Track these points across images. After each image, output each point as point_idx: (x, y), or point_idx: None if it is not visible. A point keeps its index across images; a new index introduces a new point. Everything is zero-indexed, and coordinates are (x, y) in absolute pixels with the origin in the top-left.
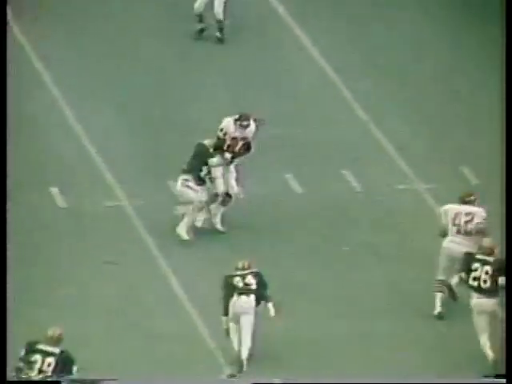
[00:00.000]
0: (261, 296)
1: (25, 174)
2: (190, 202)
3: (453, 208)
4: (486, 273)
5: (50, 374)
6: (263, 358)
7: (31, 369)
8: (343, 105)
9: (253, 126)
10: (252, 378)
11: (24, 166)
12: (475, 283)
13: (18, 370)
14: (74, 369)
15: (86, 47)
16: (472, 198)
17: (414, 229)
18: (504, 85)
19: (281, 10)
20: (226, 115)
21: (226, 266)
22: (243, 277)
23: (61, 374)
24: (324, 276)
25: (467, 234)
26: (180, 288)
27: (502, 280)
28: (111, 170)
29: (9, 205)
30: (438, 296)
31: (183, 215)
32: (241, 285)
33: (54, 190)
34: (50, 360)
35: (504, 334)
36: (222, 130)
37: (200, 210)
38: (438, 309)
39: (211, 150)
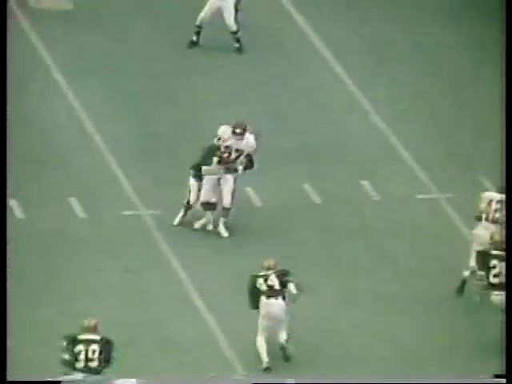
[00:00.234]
0: (285, 290)
1: (44, 185)
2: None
3: (489, 195)
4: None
5: (96, 360)
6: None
7: (77, 360)
8: (361, 114)
9: (250, 138)
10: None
11: (43, 177)
12: (496, 280)
13: (66, 362)
14: (114, 353)
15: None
16: None
17: (434, 238)
18: None
19: (297, 19)
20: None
21: (244, 275)
22: (266, 278)
23: (106, 359)
24: (342, 286)
25: (494, 221)
26: (197, 296)
27: None
28: (129, 179)
29: (16, 213)
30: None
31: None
32: (264, 287)
33: (73, 200)
34: (94, 347)
35: (504, 334)
36: (219, 137)
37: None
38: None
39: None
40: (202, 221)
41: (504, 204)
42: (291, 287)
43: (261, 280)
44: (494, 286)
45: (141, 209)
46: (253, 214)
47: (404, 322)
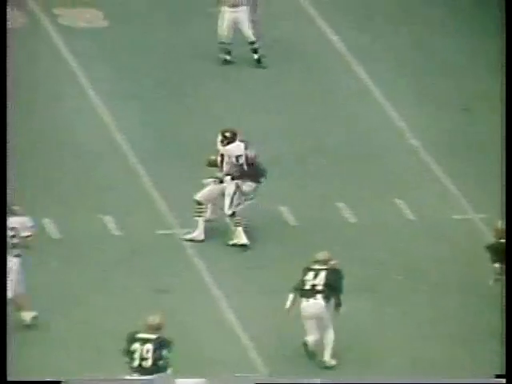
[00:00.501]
0: (330, 294)
1: (79, 202)
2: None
3: None
4: None
5: (149, 360)
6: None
7: (132, 358)
8: (396, 133)
9: (235, 144)
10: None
11: (78, 194)
12: None
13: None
14: (164, 352)
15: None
16: None
17: (469, 258)
18: None
19: (321, 25)
20: (272, 140)
21: (279, 293)
22: (316, 273)
23: (157, 359)
24: (376, 304)
25: None
26: (232, 314)
27: None
28: (163, 197)
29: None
30: None
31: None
32: (308, 286)
33: (108, 218)
34: (148, 346)
35: (504, 334)
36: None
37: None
38: None
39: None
40: (194, 233)
41: None
42: (332, 302)
43: (311, 274)
44: None
45: (175, 228)
46: (287, 232)
47: (435, 339)
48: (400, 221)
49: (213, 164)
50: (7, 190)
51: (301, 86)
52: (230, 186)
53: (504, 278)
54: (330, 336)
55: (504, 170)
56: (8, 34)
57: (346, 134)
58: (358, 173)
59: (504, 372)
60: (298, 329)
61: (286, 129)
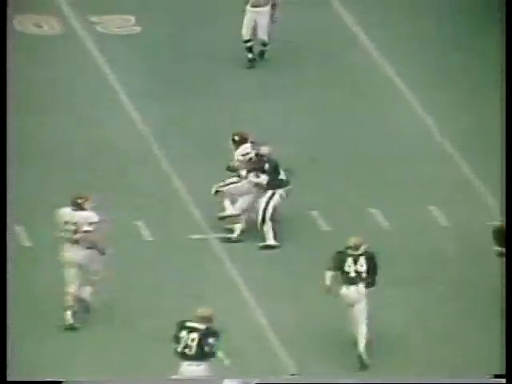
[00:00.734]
0: (371, 282)
1: (112, 208)
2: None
3: None
4: None
5: (193, 348)
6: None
7: (178, 343)
8: (430, 140)
9: (242, 147)
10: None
11: (110, 201)
12: None
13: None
14: (211, 339)
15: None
16: None
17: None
18: None
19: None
20: (306, 144)
21: (311, 297)
22: (355, 259)
23: (204, 346)
24: (413, 314)
25: None
26: (266, 320)
27: None
28: (196, 202)
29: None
30: None
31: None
32: (353, 273)
33: (140, 223)
34: (194, 336)
35: (504, 334)
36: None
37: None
38: None
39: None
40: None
41: None
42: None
43: (350, 261)
44: None
45: (208, 233)
46: (318, 237)
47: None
48: (434, 227)
49: (232, 169)
50: (7, 190)
51: (332, 89)
52: (247, 189)
53: (504, 279)
54: (364, 326)
55: None
56: (43, 41)
57: (381, 139)
58: (392, 179)
59: (504, 372)
60: (328, 332)
61: (320, 133)
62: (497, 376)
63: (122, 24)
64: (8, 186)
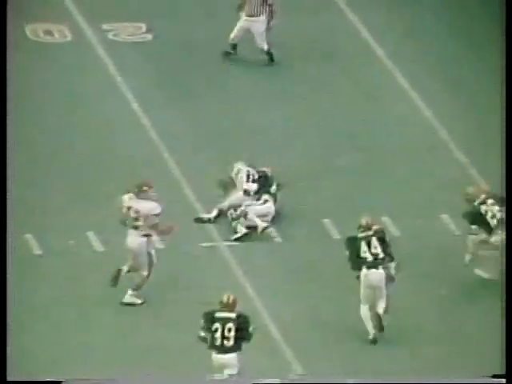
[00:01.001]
0: (390, 258)
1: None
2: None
3: None
4: None
5: (231, 339)
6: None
7: (214, 337)
8: (441, 146)
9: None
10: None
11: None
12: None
13: (203, 339)
14: (250, 328)
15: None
16: None
17: None
18: None
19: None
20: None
21: (324, 305)
22: (368, 242)
23: (243, 336)
24: (421, 320)
25: None
26: (277, 330)
27: None
28: (207, 211)
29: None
30: None
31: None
32: (370, 257)
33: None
34: (230, 325)
35: (504, 334)
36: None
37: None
38: None
39: None
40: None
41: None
42: (392, 267)
43: (364, 245)
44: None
45: (218, 240)
46: (330, 245)
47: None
48: (445, 236)
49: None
50: (7, 191)
51: (341, 93)
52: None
53: (504, 278)
54: (383, 305)
55: None
56: (54, 49)
57: (394, 147)
58: (403, 187)
59: (504, 372)
60: (338, 334)
61: (330, 141)
62: (496, 376)
63: (133, 32)
64: (8, 186)
